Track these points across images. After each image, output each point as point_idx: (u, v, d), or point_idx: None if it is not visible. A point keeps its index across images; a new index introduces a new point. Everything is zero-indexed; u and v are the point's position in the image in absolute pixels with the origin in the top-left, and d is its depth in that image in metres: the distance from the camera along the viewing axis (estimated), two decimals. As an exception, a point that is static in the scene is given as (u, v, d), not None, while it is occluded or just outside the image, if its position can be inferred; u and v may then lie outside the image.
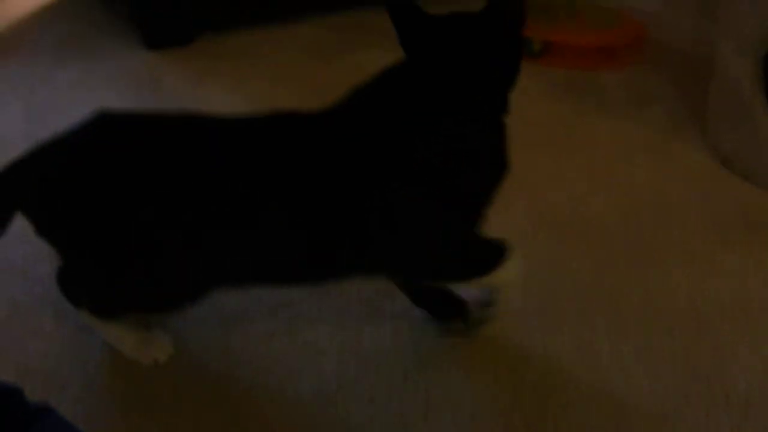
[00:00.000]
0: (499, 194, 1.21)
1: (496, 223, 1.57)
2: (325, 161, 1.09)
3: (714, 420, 1.19)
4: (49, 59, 2.53)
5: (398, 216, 1.09)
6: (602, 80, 2.31)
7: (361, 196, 1.08)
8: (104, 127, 1.16)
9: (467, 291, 1.34)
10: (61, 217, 1.12)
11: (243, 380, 1.25)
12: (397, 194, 1.08)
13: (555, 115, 2.07)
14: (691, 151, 1.90)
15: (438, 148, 1.10)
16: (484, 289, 1.29)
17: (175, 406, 1.21)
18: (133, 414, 1.20)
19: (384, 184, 1.08)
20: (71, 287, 1.27)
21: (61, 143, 1.16)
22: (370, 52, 2.50)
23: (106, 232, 1.10)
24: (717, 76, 1.89)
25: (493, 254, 1.20)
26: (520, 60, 1.13)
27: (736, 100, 1.80)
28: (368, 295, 1.39)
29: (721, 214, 1.65)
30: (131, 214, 1.08)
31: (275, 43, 2.61)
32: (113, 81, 2.33)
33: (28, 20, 2.97)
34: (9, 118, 2.11)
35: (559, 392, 1.24)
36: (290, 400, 1.21)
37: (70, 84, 2.33)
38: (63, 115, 2.10)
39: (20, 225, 1.58)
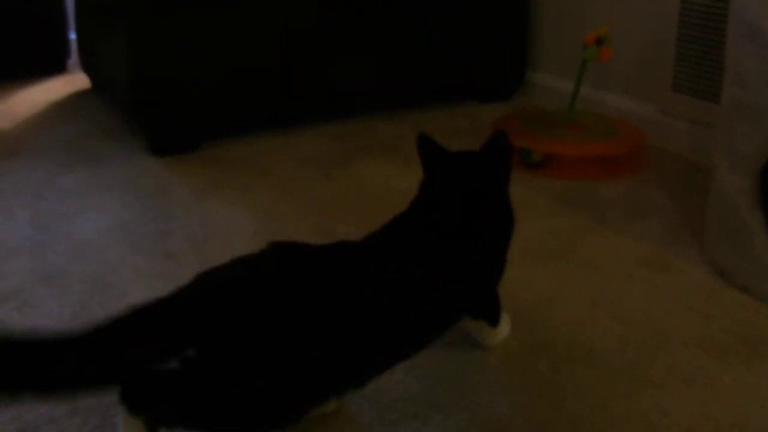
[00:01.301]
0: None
1: (490, 350, 1.59)
2: (438, 249, 1.37)
3: None
4: (55, 163, 2.57)
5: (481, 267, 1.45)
6: (601, 191, 2.34)
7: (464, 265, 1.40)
8: (279, 259, 1.27)
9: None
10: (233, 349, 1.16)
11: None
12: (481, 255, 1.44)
13: (554, 230, 2.09)
14: (689, 266, 1.92)
15: (483, 223, 1.45)
16: None
17: None
18: None
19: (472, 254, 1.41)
20: (150, 397, 1.22)
21: (236, 280, 1.22)
22: (370, 164, 2.54)
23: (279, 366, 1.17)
24: (714, 191, 1.91)
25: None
26: (509, 174, 1.50)
27: (733, 216, 1.82)
28: None
29: (720, 331, 1.66)
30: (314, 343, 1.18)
31: (277, 154, 2.65)
32: (120, 189, 2.36)
33: (33, 120, 3.02)
34: (16, 225, 2.13)
35: None
36: None
37: (77, 190, 2.36)
38: (70, 223, 2.13)
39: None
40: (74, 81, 3.56)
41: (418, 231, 1.40)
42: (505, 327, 1.60)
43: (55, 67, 3.74)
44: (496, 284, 1.52)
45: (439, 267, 1.35)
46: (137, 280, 1.86)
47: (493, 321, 1.55)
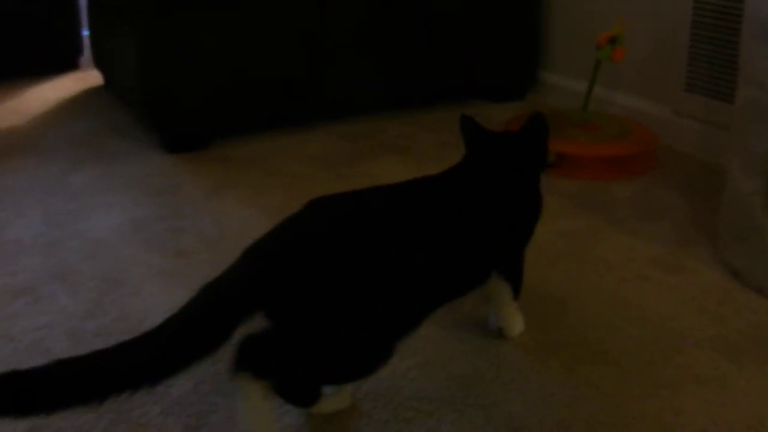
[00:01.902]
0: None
1: (504, 348, 1.60)
2: (469, 209, 1.43)
3: None
4: (67, 161, 2.58)
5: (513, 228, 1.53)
6: (614, 192, 2.33)
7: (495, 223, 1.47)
8: (320, 211, 1.33)
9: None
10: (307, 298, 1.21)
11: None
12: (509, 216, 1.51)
13: (566, 231, 2.09)
14: (703, 267, 1.91)
15: (517, 201, 1.54)
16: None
17: None
18: None
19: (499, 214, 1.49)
20: (268, 359, 1.27)
21: (287, 236, 1.28)
22: (380, 162, 2.54)
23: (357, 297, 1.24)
24: (727, 191, 1.91)
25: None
26: (546, 154, 1.59)
27: (746, 217, 1.81)
28: None
29: (734, 332, 1.65)
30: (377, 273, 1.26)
31: (287, 152, 2.65)
32: (132, 186, 2.37)
33: (45, 117, 3.02)
34: (27, 223, 2.14)
35: None
36: None
37: (88, 188, 2.36)
38: (82, 220, 2.14)
39: (37, 336, 1.60)
40: (86, 78, 3.56)
41: (460, 190, 1.47)
42: (519, 323, 1.63)
43: (67, 64, 3.74)
44: (524, 247, 1.58)
45: (478, 221, 1.43)
46: (149, 277, 1.86)
47: (516, 285, 1.59)
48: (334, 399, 1.39)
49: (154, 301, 1.76)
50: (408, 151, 2.65)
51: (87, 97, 3.30)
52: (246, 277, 1.22)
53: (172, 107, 2.61)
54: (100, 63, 3.30)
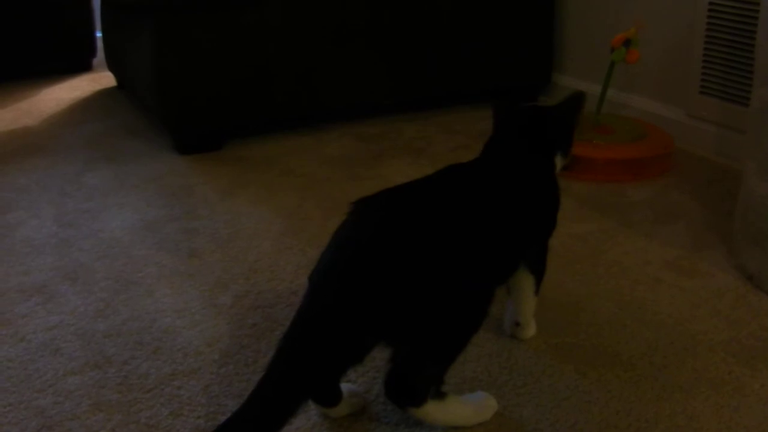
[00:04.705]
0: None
1: (517, 352, 1.59)
2: (501, 196, 1.45)
3: None
4: (80, 161, 2.58)
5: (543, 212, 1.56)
6: (628, 195, 2.32)
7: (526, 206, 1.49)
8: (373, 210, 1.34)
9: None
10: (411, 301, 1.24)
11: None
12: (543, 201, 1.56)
13: (581, 233, 2.08)
14: (717, 270, 1.90)
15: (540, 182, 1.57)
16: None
17: None
18: None
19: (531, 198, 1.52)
20: (417, 382, 1.30)
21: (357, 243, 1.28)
22: (396, 164, 2.54)
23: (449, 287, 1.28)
24: (743, 194, 1.90)
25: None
26: (574, 130, 1.65)
27: (761, 220, 1.80)
28: None
29: (748, 336, 1.64)
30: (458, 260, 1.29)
31: (302, 154, 2.65)
32: (145, 187, 2.37)
33: (58, 118, 3.03)
34: (41, 222, 2.14)
35: None
36: None
37: (102, 188, 2.36)
38: (95, 220, 2.14)
39: (48, 336, 1.60)
40: (100, 79, 3.58)
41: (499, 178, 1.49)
42: (532, 326, 1.63)
43: (80, 65, 3.75)
44: (548, 237, 1.58)
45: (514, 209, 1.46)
46: (161, 278, 1.86)
47: (540, 278, 1.58)
48: (346, 403, 1.38)
49: (166, 301, 1.76)
50: (423, 152, 2.64)
51: (100, 98, 3.31)
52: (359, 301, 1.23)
53: (186, 108, 2.61)
54: (113, 65, 3.31)
